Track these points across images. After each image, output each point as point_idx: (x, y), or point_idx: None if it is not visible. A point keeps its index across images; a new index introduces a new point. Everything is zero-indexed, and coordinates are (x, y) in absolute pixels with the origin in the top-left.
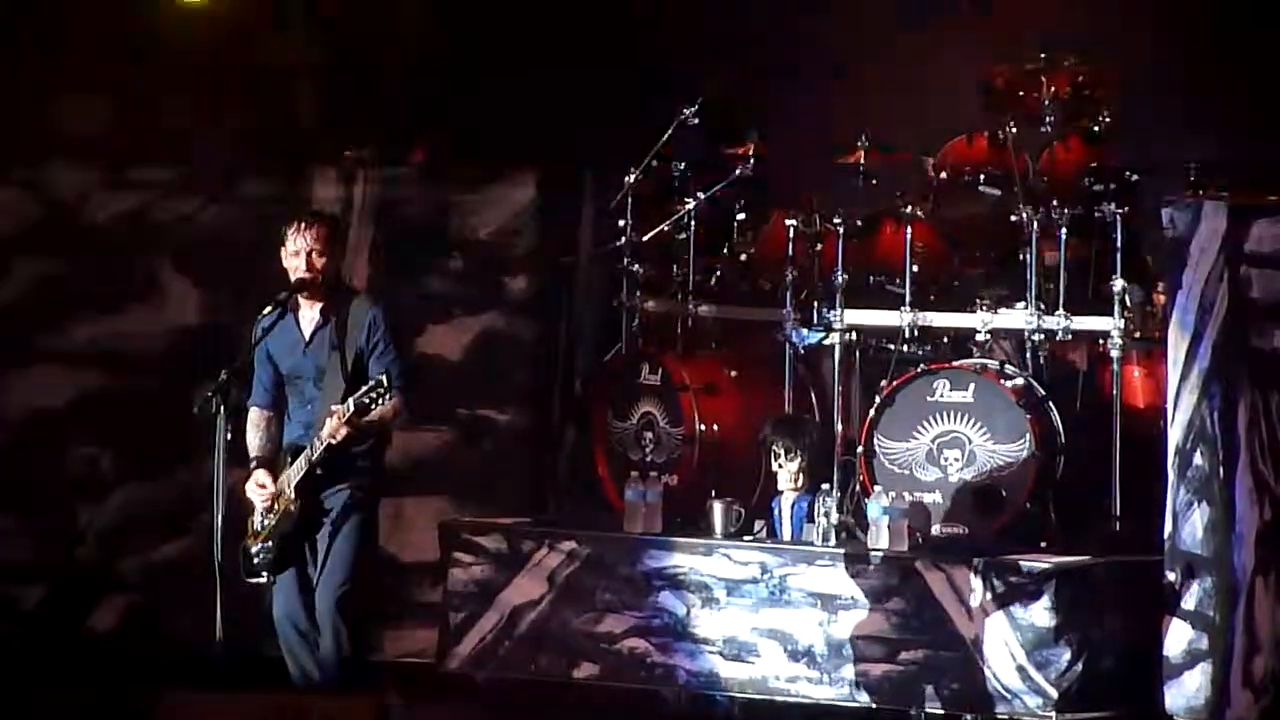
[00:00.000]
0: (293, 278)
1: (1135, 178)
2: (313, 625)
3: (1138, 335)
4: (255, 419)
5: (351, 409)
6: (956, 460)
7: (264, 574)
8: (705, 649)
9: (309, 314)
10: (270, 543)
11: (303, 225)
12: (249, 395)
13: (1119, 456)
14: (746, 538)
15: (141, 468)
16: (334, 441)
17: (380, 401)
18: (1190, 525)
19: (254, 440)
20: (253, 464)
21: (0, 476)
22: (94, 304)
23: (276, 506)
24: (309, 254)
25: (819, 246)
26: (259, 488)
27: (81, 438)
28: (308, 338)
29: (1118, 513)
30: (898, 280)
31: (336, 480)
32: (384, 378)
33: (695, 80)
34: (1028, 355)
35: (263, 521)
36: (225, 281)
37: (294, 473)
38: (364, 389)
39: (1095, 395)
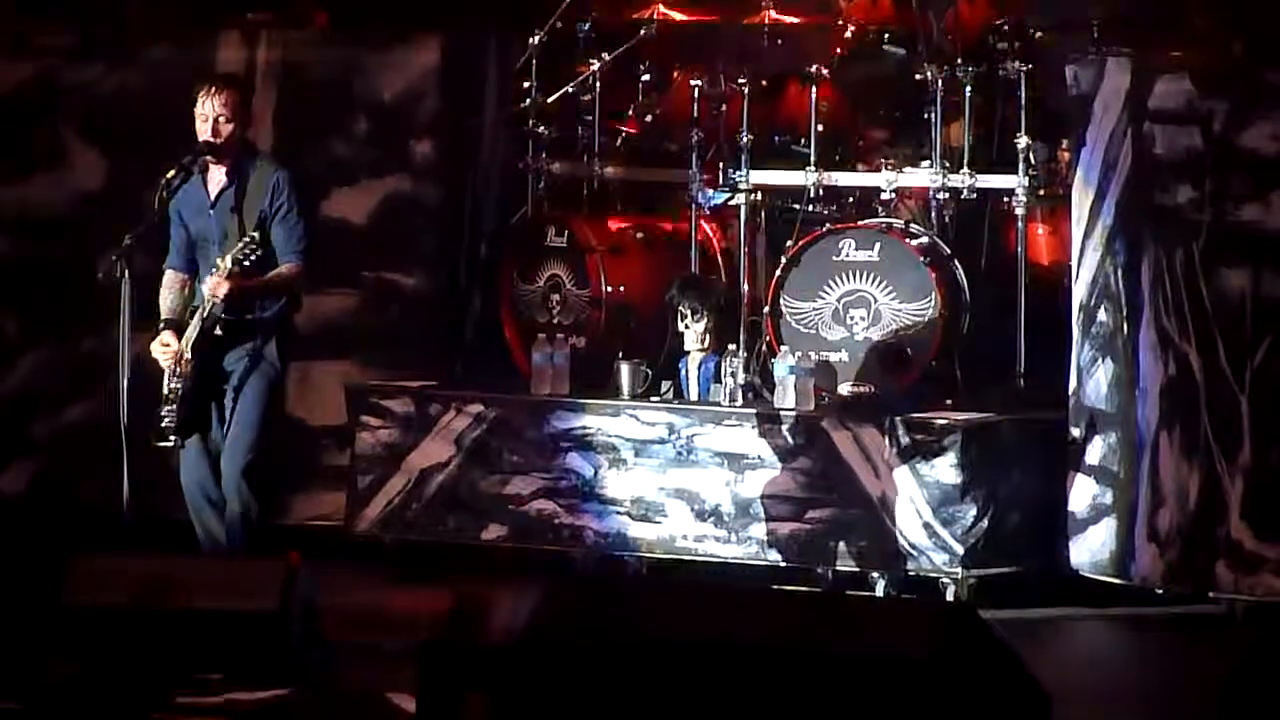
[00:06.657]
0: (200, 141)
1: (1039, 34)
2: (220, 491)
3: (1042, 193)
4: (169, 281)
5: (229, 265)
6: (863, 319)
7: (171, 438)
8: (613, 510)
9: (216, 177)
10: (174, 406)
11: (212, 90)
12: (166, 258)
13: (1024, 314)
14: (653, 398)
15: (48, 333)
16: (217, 299)
17: (252, 257)
18: (1094, 381)
19: (166, 302)
20: (160, 325)
21: None
22: None
23: (179, 368)
24: (216, 119)
25: (724, 107)
26: (163, 347)
27: None
28: (213, 200)
29: (1023, 369)
30: (803, 140)
31: (240, 342)
32: (255, 235)
33: None
34: (933, 214)
35: (169, 384)
36: (130, 147)
37: (190, 332)
38: (239, 245)
39: (1000, 253)
